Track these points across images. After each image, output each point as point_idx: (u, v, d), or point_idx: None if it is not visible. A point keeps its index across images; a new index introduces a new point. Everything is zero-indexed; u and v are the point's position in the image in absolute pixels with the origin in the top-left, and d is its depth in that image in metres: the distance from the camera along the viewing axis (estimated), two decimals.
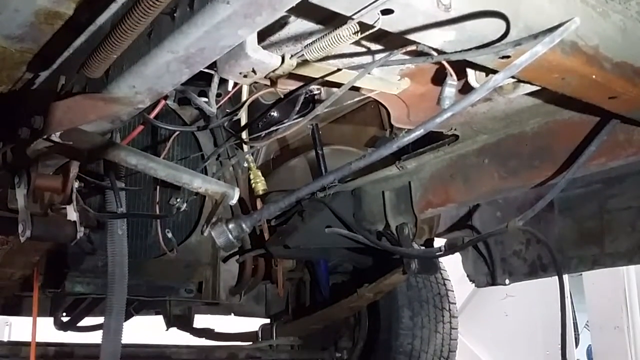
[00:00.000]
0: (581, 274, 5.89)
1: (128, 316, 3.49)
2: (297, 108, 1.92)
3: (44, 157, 1.84)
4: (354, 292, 3.19)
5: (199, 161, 3.07)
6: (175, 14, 1.24)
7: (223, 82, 1.76)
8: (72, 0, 1.47)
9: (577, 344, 6.68)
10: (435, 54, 1.37)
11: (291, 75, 1.60)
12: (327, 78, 1.64)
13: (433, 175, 2.36)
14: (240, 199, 2.90)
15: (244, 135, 2.49)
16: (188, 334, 3.97)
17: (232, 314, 4.05)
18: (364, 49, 1.62)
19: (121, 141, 2.00)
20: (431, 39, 1.28)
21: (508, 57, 1.30)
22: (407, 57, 1.50)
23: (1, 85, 1.85)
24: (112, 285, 2.02)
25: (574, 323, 6.48)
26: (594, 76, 1.38)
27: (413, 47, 1.36)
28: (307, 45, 1.43)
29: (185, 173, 1.86)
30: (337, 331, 3.75)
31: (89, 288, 2.93)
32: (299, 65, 1.52)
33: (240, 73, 1.51)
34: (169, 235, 2.85)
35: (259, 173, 2.79)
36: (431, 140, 2.30)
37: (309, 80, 1.69)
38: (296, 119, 1.95)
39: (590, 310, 6.24)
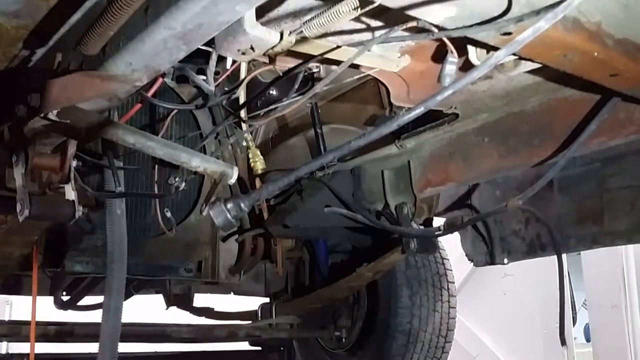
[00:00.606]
0: (580, 253, 5.91)
1: (128, 295, 3.51)
2: (296, 86, 1.91)
3: (41, 136, 1.83)
4: (353, 271, 3.20)
5: (198, 140, 3.06)
6: None
7: (221, 59, 1.75)
8: None
9: (574, 323, 6.72)
10: (435, 30, 1.35)
11: (290, 53, 1.59)
12: (326, 55, 1.63)
13: (432, 154, 2.35)
14: (239, 178, 2.89)
15: (243, 113, 2.48)
16: (188, 312, 3.99)
17: (232, 293, 4.06)
18: (363, 26, 1.60)
19: (119, 119, 1.99)
20: (432, 15, 1.27)
21: (510, 33, 1.28)
22: (407, 33, 1.48)
23: None
24: (111, 264, 2.02)
25: (571, 302, 6.51)
26: (595, 53, 1.36)
27: (413, 24, 1.34)
28: (306, 21, 1.41)
29: (184, 152, 1.86)
30: (336, 310, 3.77)
31: (88, 267, 2.94)
32: (297, 42, 1.51)
33: (239, 50, 1.49)
34: (168, 214, 2.84)
35: (258, 152, 2.78)
36: (431, 118, 2.29)
37: (308, 58, 1.67)
38: (295, 97, 1.94)
39: (588, 289, 6.26)
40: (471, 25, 1.29)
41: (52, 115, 1.61)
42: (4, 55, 1.76)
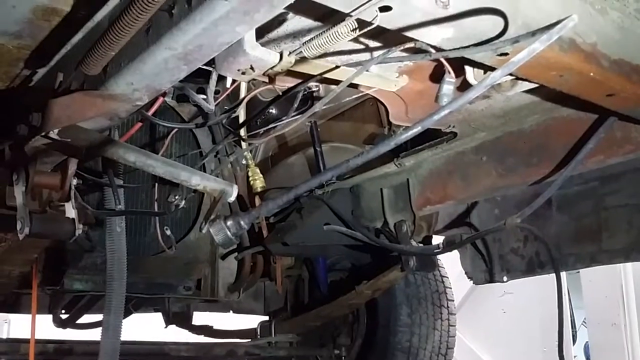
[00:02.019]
0: (579, 271, 5.90)
1: (127, 313, 3.50)
2: (295, 105, 1.92)
3: (42, 155, 1.84)
4: (353, 289, 3.19)
5: (198, 158, 3.08)
6: (173, 11, 1.24)
7: (221, 79, 1.76)
8: None
9: (574, 341, 6.69)
10: (433, 51, 1.37)
11: (289, 73, 1.60)
12: (325, 75, 1.64)
13: (431, 173, 2.36)
14: (239, 196, 2.90)
15: (243, 132, 2.49)
16: (187, 331, 3.98)
17: (231, 311, 4.05)
18: (362, 46, 1.62)
19: (119, 138, 2.00)
20: (429, 36, 1.28)
21: (506, 54, 1.30)
22: (405, 54, 1.50)
23: None
24: (111, 282, 2.02)
25: (571, 320, 6.49)
26: (591, 73, 1.38)
27: (411, 44, 1.36)
28: (305, 42, 1.43)
29: (184, 170, 1.87)
30: (335, 328, 3.76)
31: (87, 285, 2.94)
32: (297, 62, 1.52)
33: (239, 70, 1.51)
34: (168, 232, 2.85)
35: (258, 170, 2.79)
36: (429, 137, 2.31)
37: (307, 78, 1.69)
38: (294, 116, 1.95)
39: (587, 307, 6.24)
40: (468, 46, 1.30)
41: (53, 134, 1.62)
42: (6, 74, 1.78)
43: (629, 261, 2.38)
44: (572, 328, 6.47)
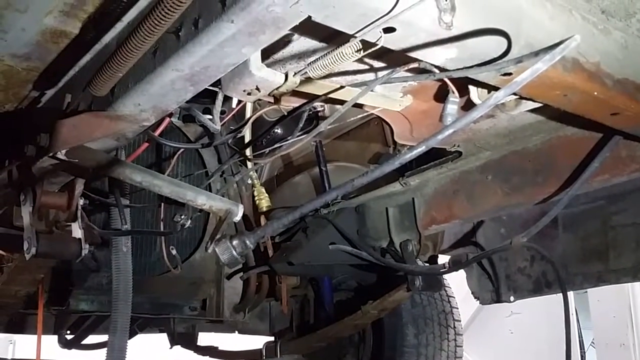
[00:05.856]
0: (586, 291, 5.86)
1: (132, 334, 3.48)
2: (300, 125, 1.93)
3: (49, 175, 1.86)
4: (358, 309, 3.18)
5: (203, 178, 3.09)
6: (180, 33, 1.25)
7: (227, 99, 1.78)
8: (78, 19, 1.49)
9: None
10: (437, 71, 1.38)
11: (295, 93, 1.62)
12: (330, 95, 1.65)
13: (437, 192, 2.36)
14: (244, 216, 2.91)
15: (248, 152, 2.50)
16: (192, 352, 3.96)
17: (236, 332, 4.03)
18: (366, 67, 1.63)
19: (126, 158, 2.01)
20: (433, 56, 1.29)
21: (510, 74, 1.31)
22: (409, 74, 1.51)
23: (8, 103, 1.86)
24: (116, 302, 2.02)
25: (580, 341, 6.43)
26: (595, 93, 1.39)
27: (415, 65, 1.37)
28: (310, 63, 1.44)
29: (190, 190, 1.87)
30: (341, 349, 3.73)
31: (93, 306, 2.94)
32: (302, 82, 1.53)
33: (244, 91, 1.52)
34: (173, 252, 2.85)
35: (263, 190, 2.80)
36: (435, 156, 2.31)
37: (312, 98, 1.70)
38: (300, 135, 1.96)
39: (595, 328, 6.19)
40: (472, 66, 1.31)
41: (61, 155, 1.63)
42: (15, 96, 1.80)
43: (637, 280, 2.37)
44: (580, 349, 6.40)
